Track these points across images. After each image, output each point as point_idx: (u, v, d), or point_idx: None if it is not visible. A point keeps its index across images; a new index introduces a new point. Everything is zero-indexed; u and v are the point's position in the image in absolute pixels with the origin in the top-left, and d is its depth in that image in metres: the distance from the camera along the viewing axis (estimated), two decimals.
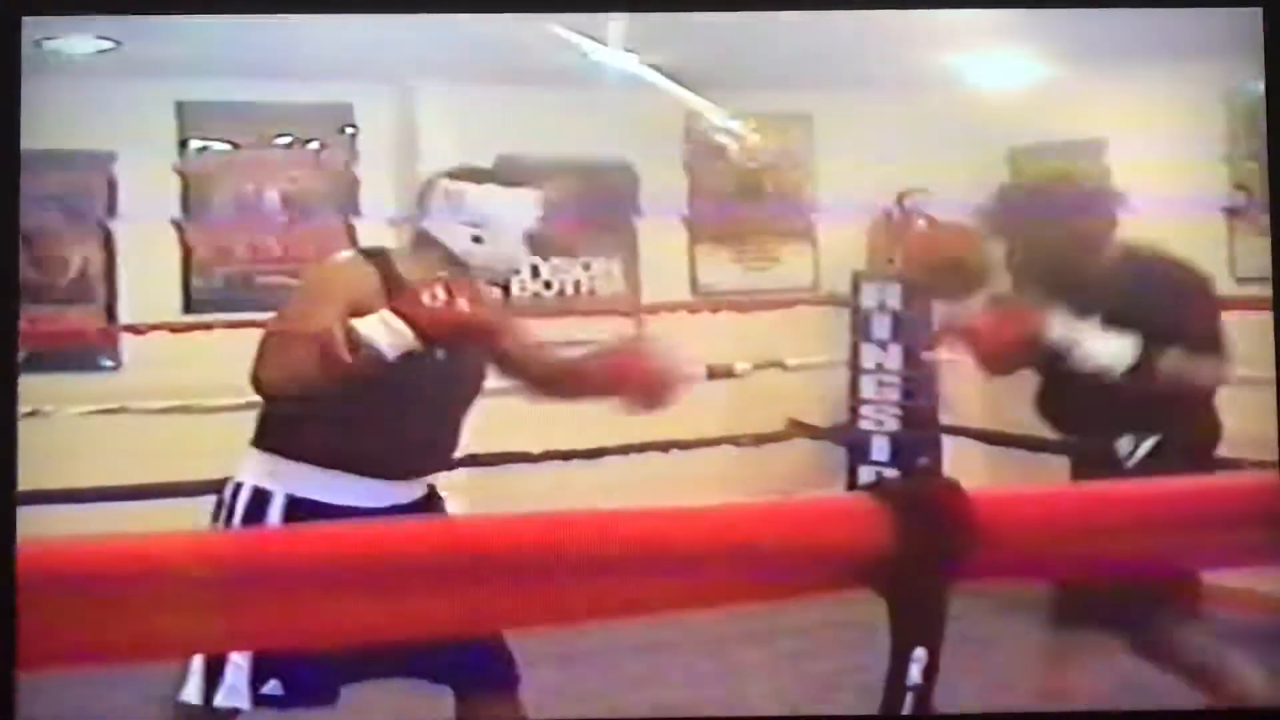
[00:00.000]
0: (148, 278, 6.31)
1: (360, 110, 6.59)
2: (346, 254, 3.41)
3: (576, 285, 6.85)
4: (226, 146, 6.44)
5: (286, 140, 6.52)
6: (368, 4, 3.84)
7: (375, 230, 6.54)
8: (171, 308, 6.28)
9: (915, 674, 1.40)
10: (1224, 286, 6.04)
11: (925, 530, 1.38)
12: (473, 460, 6.04)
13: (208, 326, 6.01)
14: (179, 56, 5.63)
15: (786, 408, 6.59)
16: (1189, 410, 3.63)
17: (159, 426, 5.83)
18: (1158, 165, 6.41)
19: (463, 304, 2.97)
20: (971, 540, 1.40)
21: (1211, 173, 6.26)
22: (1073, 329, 3.51)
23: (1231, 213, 6.23)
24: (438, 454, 3.34)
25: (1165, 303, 3.57)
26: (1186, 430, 3.62)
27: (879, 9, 4.43)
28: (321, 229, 6.53)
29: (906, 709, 1.39)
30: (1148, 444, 3.56)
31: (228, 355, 6.12)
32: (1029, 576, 3.33)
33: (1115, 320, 3.52)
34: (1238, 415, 4.06)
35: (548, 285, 6.76)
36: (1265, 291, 5.84)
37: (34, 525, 4.16)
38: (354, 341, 2.92)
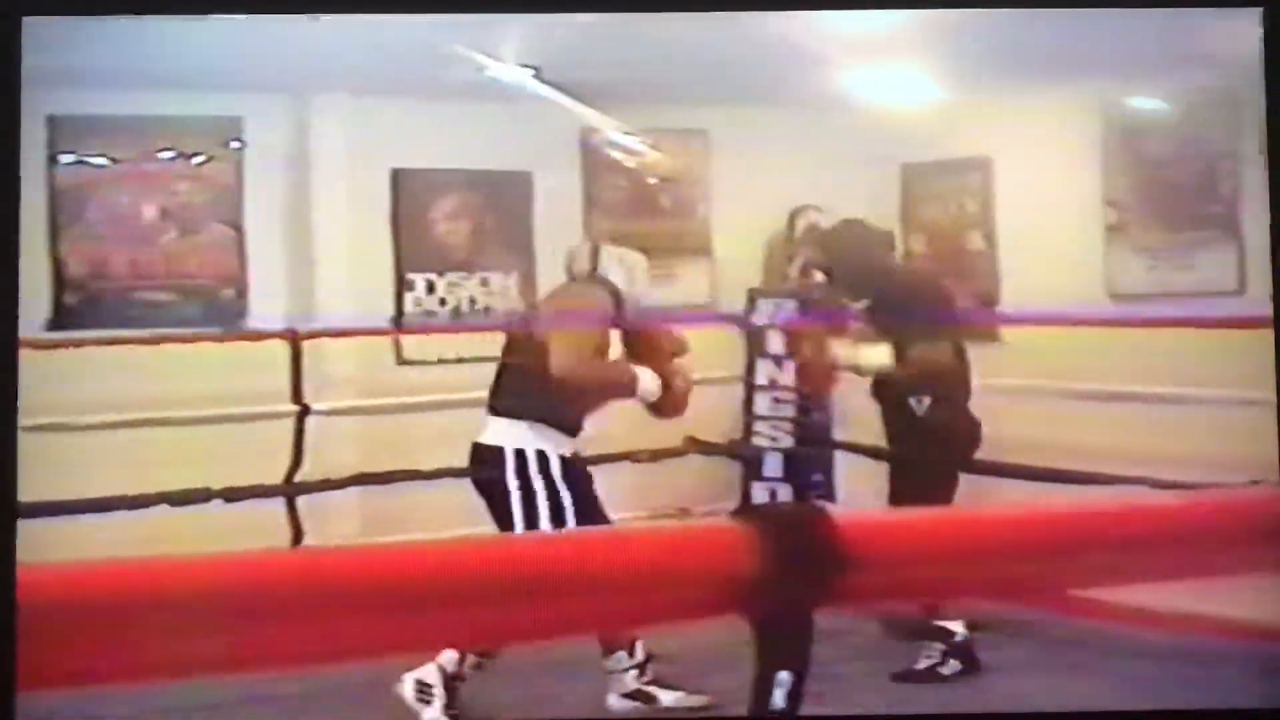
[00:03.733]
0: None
1: (251, 123, 6.49)
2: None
3: (471, 301, 6.81)
4: (102, 161, 6.27)
5: (169, 154, 6.41)
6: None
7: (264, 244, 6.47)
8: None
9: (779, 698, 1.39)
10: (1098, 304, 6.15)
11: (791, 555, 1.37)
12: (363, 478, 5.98)
13: (78, 344, 5.86)
14: (54, 67, 5.50)
15: (683, 424, 6.57)
16: (940, 377, 5.18)
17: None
18: (1038, 182, 6.50)
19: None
20: (838, 565, 1.39)
21: (1088, 189, 6.35)
22: (851, 352, 5.26)
23: (1111, 230, 6.30)
24: None
25: (918, 306, 5.19)
26: (943, 388, 5.18)
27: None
28: (206, 242, 6.42)
29: None
30: (926, 400, 5.15)
31: (99, 373, 5.99)
32: (897, 600, 3.39)
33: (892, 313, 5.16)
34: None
35: (442, 302, 6.69)
36: (1138, 310, 5.96)
37: None
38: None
